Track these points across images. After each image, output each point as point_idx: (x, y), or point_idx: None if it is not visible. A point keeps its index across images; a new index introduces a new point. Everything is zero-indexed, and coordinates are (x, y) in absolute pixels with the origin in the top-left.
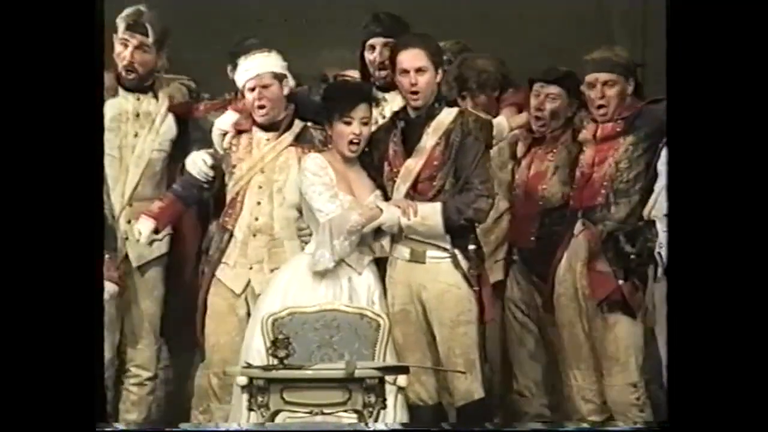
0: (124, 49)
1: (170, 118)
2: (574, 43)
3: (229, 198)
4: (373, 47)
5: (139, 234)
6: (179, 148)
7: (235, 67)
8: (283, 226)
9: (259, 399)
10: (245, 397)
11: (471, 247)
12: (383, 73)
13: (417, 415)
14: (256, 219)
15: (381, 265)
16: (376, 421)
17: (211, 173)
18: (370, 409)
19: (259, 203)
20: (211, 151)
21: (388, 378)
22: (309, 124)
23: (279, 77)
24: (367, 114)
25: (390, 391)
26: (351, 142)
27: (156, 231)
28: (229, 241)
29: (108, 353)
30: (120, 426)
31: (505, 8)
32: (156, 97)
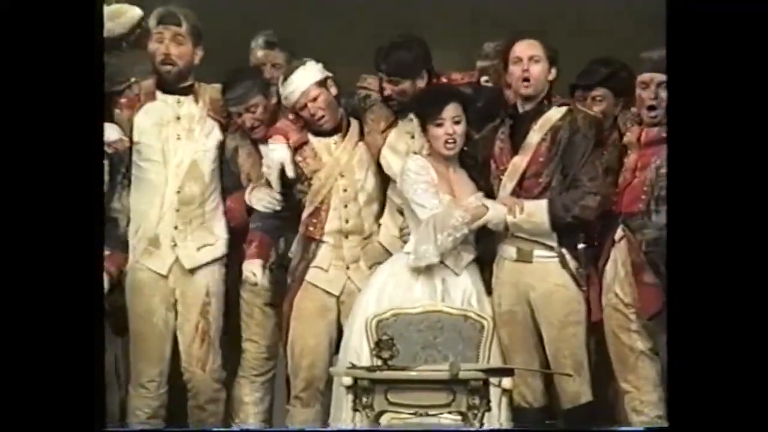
0: (159, 44)
1: (213, 121)
2: (631, 38)
3: (311, 209)
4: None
5: (254, 276)
6: (223, 149)
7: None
8: (371, 223)
9: (364, 400)
10: (350, 397)
11: (580, 246)
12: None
13: (522, 418)
14: (347, 221)
15: (487, 267)
16: (480, 423)
17: (278, 200)
18: (475, 411)
19: (346, 206)
20: (268, 188)
21: (493, 380)
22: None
23: (322, 83)
24: (458, 112)
25: (495, 393)
26: (446, 142)
27: (265, 266)
28: (316, 249)
29: (157, 369)
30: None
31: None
32: (196, 100)
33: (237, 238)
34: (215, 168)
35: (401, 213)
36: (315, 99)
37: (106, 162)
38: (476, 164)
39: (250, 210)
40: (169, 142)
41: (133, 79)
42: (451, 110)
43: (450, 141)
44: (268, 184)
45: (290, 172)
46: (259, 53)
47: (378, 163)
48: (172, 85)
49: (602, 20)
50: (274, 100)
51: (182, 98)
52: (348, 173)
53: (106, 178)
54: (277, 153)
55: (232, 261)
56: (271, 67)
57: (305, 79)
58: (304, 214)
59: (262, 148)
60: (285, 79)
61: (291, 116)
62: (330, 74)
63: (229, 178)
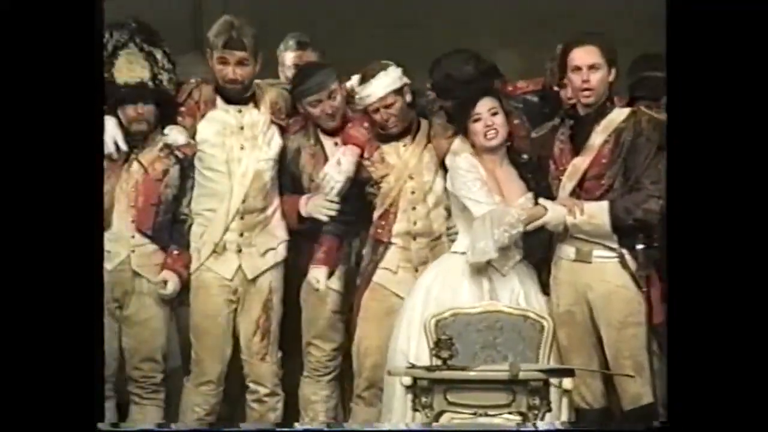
0: (224, 67)
1: (274, 127)
2: (631, 38)
3: (380, 211)
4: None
5: (317, 282)
6: (284, 154)
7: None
8: (440, 224)
9: (423, 399)
10: (409, 397)
11: (639, 247)
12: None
13: (582, 419)
14: (415, 224)
15: (544, 267)
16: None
17: (334, 207)
18: (535, 412)
19: (414, 208)
20: (323, 196)
21: (554, 380)
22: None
23: (399, 91)
24: (494, 104)
25: (555, 393)
26: (486, 134)
27: (331, 274)
28: (385, 251)
29: (218, 367)
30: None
31: None
32: (257, 106)
33: (292, 237)
34: (276, 174)
35: (449, 211)
36: (389, 106)
37: (176, 166)
38: (527, 163)
39: (300, 218)
40: (233, 152)
41: (192, 81)
42: (486, 103)
43: (490, 132)
44: (329, 187)
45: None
46: (291, 54)
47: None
48: (234, 97)
49: (602, 20)
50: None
51: (243, 107)
52: (417, 175)
53: (177, 181)
54: (345, 165)
55: (291, 259)
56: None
57: (385, 85)
58: (375, 217)
59: (328, 148)
60: (363, 79)
61: (365, 123)
62: (408, 81)
63: (288, 179)
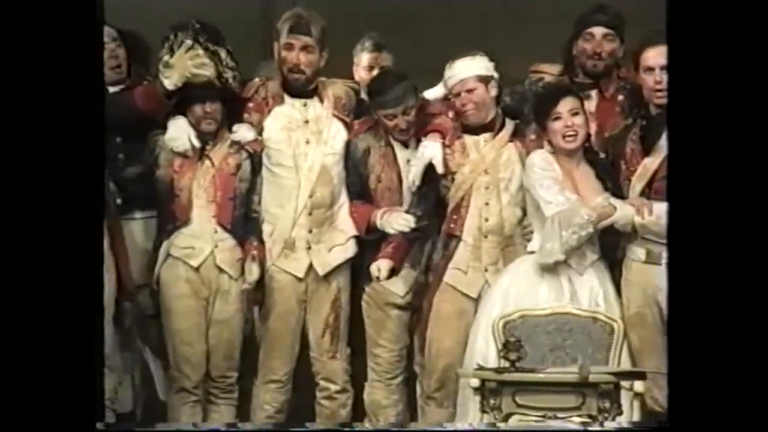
0: (289, 53)
1: (338, 122)
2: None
3: (452, 205)
4: (592, 35)
5: (377, 270)
6: (348, 148)
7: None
8: (513, 224)
9: (492, 401)
10: (477, 399)
11: None
12: (595, 62)
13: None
14: (486, 220)
15: (616, 267)
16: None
17: (412, 221)
18: (605, 415)
19: (487, 203)
20: (400, 211)
21: (625, 383)
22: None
23: (484, 80)
24: (576, 105)
25: (626, 396)
26: (566, 135)
27: (393, 270)
28: (456, 246)
29: (288, 366)
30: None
31: None
32: (321, 100)
33: (360, 241)
34: (342, 168)
35: (525, 212)
36: (471, 91)
37: (248, 160)
38: (604, 163)
39: (369, 228)
40: (299, 147)
41: (257, 80)
42: (567, 103)
43: (570, 134)
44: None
45: (440, 168)
46: (367, 55)
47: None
48: (299, 89)
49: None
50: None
51: (308, 101)
52: (492, 171)
53: (249, 175)
54: (429, 150)
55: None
56: (380, 70)
57: (469, 68)
58: (448, 211)
59: (398, 150)
60: (451, 65)
61: (450, 113)
62: (496, 75)
63: (356, 178)
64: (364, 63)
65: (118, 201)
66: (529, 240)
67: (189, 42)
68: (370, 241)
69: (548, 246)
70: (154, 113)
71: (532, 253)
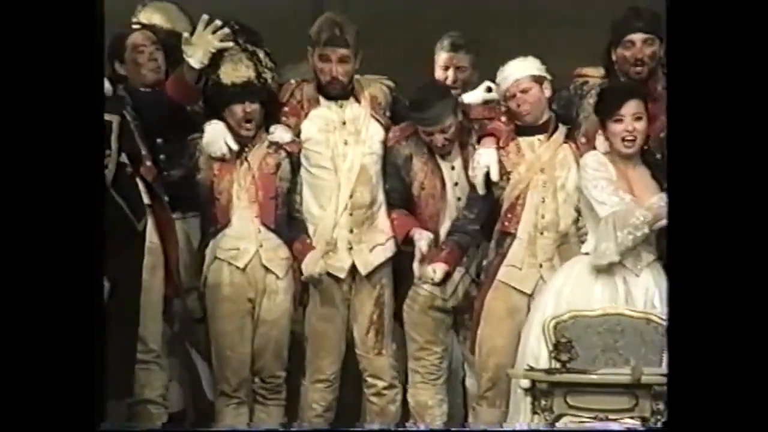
0: (326, 64)
1: (374, 121)
2: None
3: (507, 204)
4: (632, 43)
5: (433, 272)
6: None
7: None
8: (568, 222)
9: (543, 402)
10: (528, 399)
11: None
12: (638, 69)
13: None
14: (543, 216)
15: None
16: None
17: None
18: (659, 417)
19: (543, 200)
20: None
21: None
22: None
23: (538, 80)
24: (639, 109)
25: None
26: (625, 139)
27: (448, 274)
28: (510, 244)
29: (335, 365)
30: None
31: None
32: (358, 100)
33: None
34: (380, 168)
35: (579, 212)
36: (525, 91)
37: (287, 160)
38: (660, 163)
39: (405, 240)
40: (338, 148)
41: (292, 82)
42: (631, 107)
43: (629, 138)
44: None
45: (495, 176)
46: (444, 55)
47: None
48: (335, 94)
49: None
50: (460, 117)
51: (344, 101)
52: (548, 169)
53: (289, 175)
54: (484, 157)
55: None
56: (455, 70)
57: (522, 69)
58: (502, 210)
59: (439, 158)
60: (503, 68)
61: (503, 117)
62: (549, 77)
63: (398, 184)
64: (440, 62)
65: (166, 199)
66: (583, 241)
67: (230, 43)
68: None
69: (603, 246)
70: (186, 101)
71: (586, 254)
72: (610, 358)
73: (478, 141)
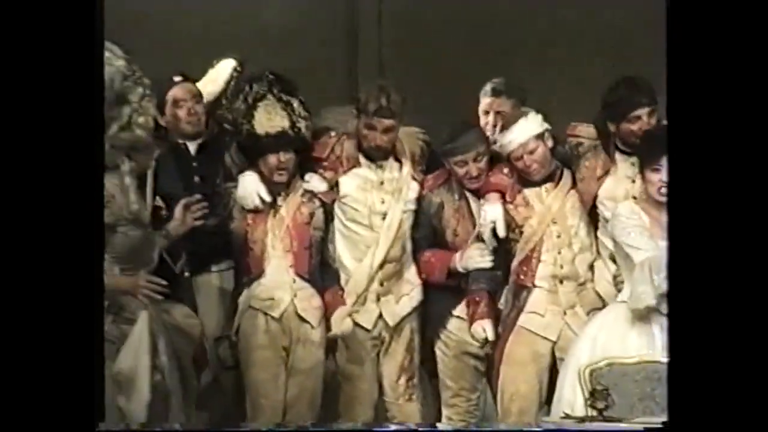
0: (371, 132)
1: (412, 179)
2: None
3: (521, 256)
4: (639, 117)
5: (484, 332)
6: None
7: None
8: (585, 269)
9: None
10: None
11: None
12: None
13: None
14: (561, 267)
15: None
16: None
17: (490, 254)
18: None
19: (560, 252)
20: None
21: None
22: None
23: (541, 136)
24: None
25: None
26: (661, 189)
27: (496, 326)
28: (528, 296)
29: (369, 409)
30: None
31: None
32: (397, 160)
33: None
34: (413, 220)
35: (614, 261)
36: (532, 152)
37: (320, 209)
38: None
39: (450, 273)
40: (375, 206)
41: (333, 134)
42: None
43: (664, 188)
44: (478, 239)
45: (501, 232)
46: (486, 100)
47: (589, 212)
48: (376, 156)
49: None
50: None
51: (384, 162)
52: (560, 220)
53: (323, 224)
54: (490, 213)
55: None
56: (495, 115)
57: (526, 131)
58: (515, 263)
59: (473, 203)
60: (504, 127)
61: (506, 170)
62: (549, 126)
63: (429, 232)
64: (481, 107)
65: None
66: (620, 290)
67: (263, 93)
68: (438, 285)
69: (639, 290)
70: None
71: (623, 302)
72: (647, 406)
73: (483, 196)
